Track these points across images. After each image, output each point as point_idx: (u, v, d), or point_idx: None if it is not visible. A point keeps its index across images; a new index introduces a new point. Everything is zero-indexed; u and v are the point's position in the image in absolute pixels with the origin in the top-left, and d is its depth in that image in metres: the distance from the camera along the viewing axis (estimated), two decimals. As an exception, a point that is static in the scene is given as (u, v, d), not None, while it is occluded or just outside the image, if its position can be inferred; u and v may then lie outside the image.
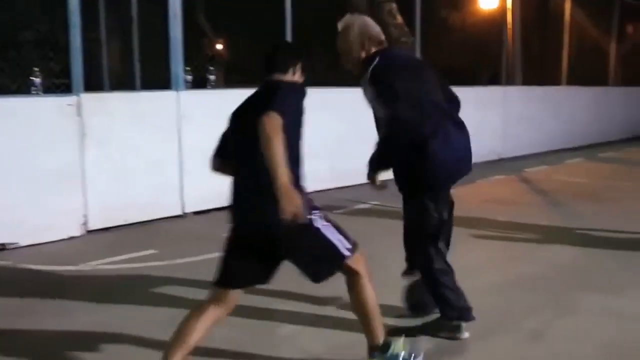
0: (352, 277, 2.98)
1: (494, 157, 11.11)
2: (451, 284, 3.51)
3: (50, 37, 7.79)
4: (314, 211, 2.89)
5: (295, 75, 3.05)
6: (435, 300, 3.57)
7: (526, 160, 11.23)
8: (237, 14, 14.21)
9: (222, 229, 6.05)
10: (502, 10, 12.48)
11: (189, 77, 6.76)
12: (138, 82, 6.80)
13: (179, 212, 6.73)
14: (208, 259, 5.17)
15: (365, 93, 3.49)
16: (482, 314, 3.58)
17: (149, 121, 6.43)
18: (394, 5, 10.90)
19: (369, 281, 2.99)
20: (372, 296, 2.99)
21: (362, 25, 3.53)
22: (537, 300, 4.21)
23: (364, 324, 3.03)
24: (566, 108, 13.50)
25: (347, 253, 2.94)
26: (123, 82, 7.00)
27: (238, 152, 2.96)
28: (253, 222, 2.91)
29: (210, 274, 4.75)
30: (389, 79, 3.34)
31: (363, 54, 3.49)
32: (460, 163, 3.50)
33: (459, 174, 3.56)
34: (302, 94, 2.88)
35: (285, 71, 3.01)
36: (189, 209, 6.80)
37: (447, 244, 3.67)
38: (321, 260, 2.95)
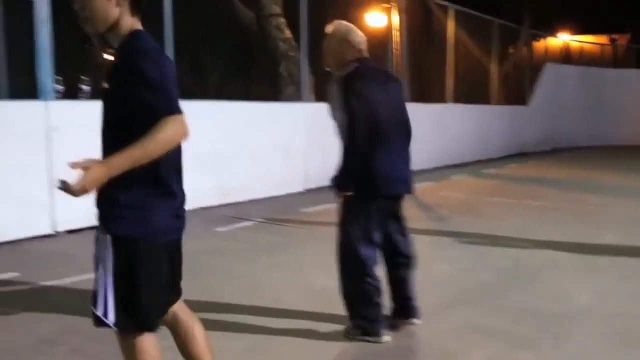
0: None
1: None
2: None
3: None
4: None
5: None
6: None
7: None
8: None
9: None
10: (389, 29, 12.72)
11: (60, 87, 6.34)
12: (4, 90, 6.30)
13: (49, 231, 6.26)
14: (76, 281, 4.83)
15: (330, 95, 3.63)
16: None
17: (13, 132, 5.95)
18: (282, 20, 10.85)
19: None
20: None
21: (345, 32, 3.72)
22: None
23: None
24: (451, 125, 13.90)
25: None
26: None
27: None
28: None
29: (76, 298, 4.45)
30: (357, 88, 3.53)
31: (342, 59, 3.68)
32: (392, 181, 3.70)
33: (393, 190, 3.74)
34: None
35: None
36: (61, 227, 6.35)
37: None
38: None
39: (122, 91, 2.25)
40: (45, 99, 6.16)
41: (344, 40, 3.69)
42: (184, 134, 2.27)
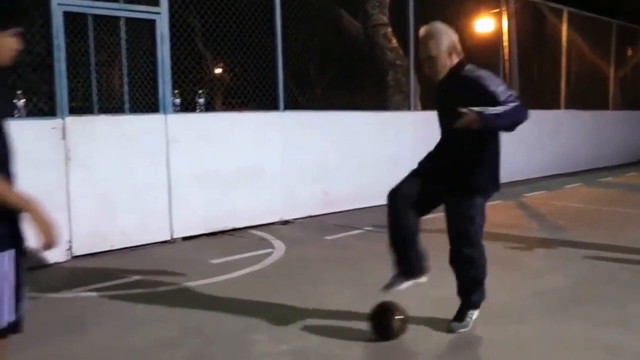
0: None
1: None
2: None
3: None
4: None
5: None
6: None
7: (525, 186, 11.09)
8: (236, 40, 14.23)
9: (210, 255, 6.02)
10: (498, 34, 12.45)
11: (178, 101, 6.68)
12: (127, 104, 6.69)
13: (167, 238, 6.60)
14: (191, 286, 5.05)
15: (452, 95, 3.69)
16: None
17: (136, 145, 6.32)
18: (389, 29, 10.86)
19: None
20: None
21: (451, 35, 3.76)
22: (526, 332, 4.05)
23: None
24: (565, 132, 13.40)
25: (3, 324, 2.38)
26: (112, 105, 6.90)
27: None
28: None
29: (191, 302, 4.67)
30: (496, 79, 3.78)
31: (449, 62, 3.75)
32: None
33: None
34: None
35: None
36: (178, 234, 6.67)
37: None
38: None
39: None
40: (165, 112, 6.50)
41: (452, 43, 3.74)
42: None
